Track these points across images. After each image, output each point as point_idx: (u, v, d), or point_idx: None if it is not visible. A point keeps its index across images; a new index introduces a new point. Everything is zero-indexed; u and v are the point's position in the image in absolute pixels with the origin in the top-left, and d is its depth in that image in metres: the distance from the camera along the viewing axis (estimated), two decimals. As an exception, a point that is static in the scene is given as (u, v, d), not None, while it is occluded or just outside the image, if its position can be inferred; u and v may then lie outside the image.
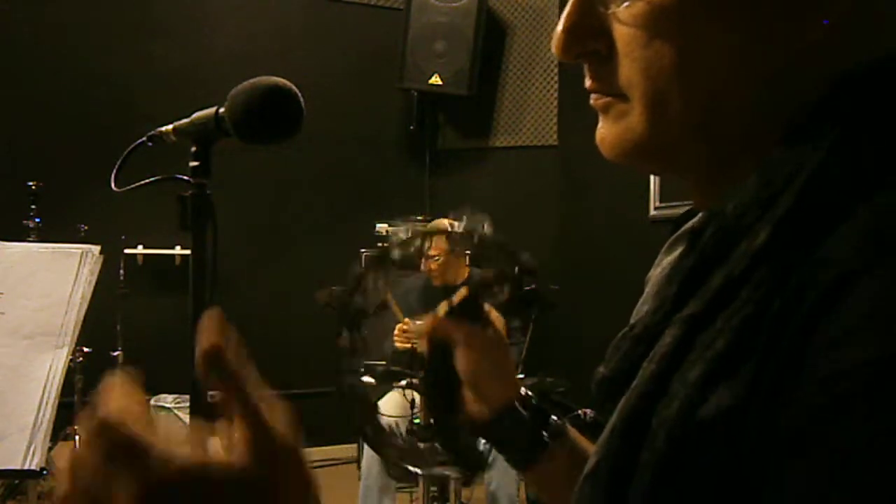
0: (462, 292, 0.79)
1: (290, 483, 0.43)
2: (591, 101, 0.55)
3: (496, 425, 0.79)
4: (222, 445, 0.41)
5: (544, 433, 0.79)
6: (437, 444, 0.81)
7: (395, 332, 3.52)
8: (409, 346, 3.46)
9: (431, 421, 0.81)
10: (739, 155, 0.49)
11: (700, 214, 0.58)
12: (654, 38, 0.49)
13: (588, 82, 0.55)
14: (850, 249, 0.40)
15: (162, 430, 0.40)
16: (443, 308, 0.81)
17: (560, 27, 0.53)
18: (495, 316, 0.83)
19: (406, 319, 3.49)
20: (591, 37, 0.52)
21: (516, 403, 0.80)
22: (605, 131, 0.54)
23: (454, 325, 0.79)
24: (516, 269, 0.80)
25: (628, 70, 0.50)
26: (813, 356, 0.39)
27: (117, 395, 0.41)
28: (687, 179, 0.56)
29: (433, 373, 0.80)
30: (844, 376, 0.37)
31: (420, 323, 0.80)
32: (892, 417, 0.36)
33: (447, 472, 2.43)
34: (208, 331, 0.42)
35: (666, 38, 0.48)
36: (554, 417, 0.80)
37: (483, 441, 0.82)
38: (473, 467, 0.83)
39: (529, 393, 0.81)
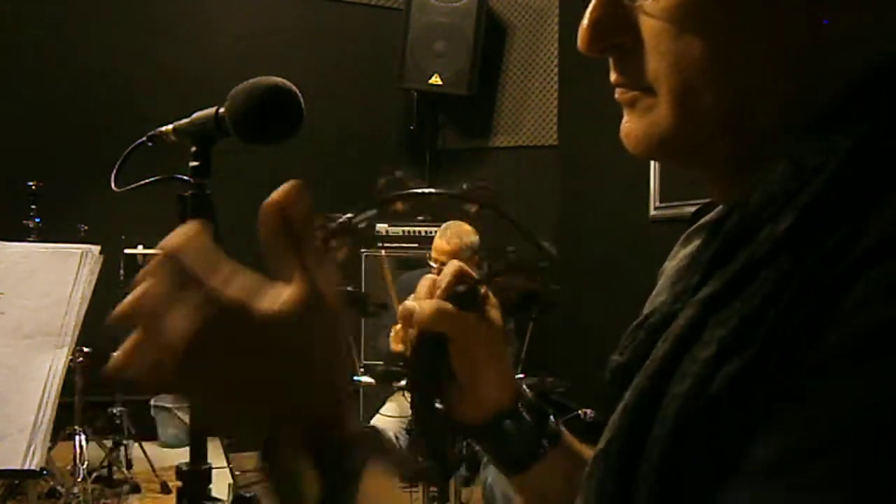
0: (467, 280, 0.71)
1: (325, 342, 0.48)
2: (617, 96, 0.54)
3: (491, 429, 0.72)
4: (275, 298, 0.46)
5: (544, 441, 0.72)
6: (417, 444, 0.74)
7: (392, 333, 3.47)
8: (403, 348, 3.40)
9: (414, 419, 0.70)
10: (767, 148, 0.48)
11: (720, 207, 0.57)
12: (684, 32, 0.48)
13: (613, 76, 0.54)
14: (884, 228, 0.39)
15: (224, 272, 0.46)
16: (428, 286, 0.72)
17: (585, 21, 0.53)
18: (495, 313, 0.74)
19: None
20: (616, 30, 0.52)
21: (516, 406, 0.73)
22: (630, 126, 0.54)
23: (455, 316, 0.70)
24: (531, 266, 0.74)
25: (656, 64, 0.50)
26: (826, 326, 0.39)
27: (186, 231, 0.48)
28: (709, 174, 0.55)
29: (421, 364, 0.71)
30: (844, 343, 0.37)
31: (413, 304, 0.69)
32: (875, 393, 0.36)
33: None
34: (283, 193, 0.46)
35: (696, 31, 0.48)
36: (552, 420, 0.74)
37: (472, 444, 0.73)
38: (449, 471, 0.75)
39: (528, 393, 0.75)
